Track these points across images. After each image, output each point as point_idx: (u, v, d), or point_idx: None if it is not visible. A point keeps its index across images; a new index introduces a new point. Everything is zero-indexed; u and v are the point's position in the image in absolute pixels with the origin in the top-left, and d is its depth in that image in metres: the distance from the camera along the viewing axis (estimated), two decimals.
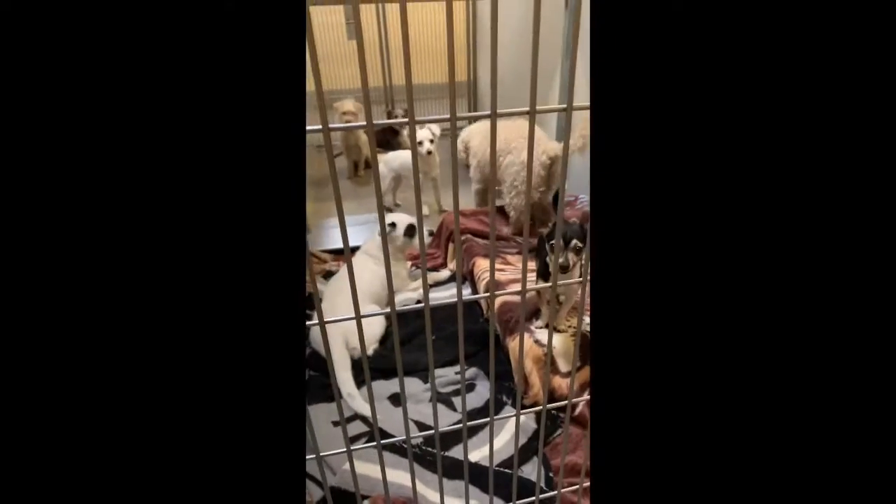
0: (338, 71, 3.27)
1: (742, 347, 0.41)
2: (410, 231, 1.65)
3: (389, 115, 3.08)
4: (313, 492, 1.01)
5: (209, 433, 0.40)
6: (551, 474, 1.06)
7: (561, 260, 1.11)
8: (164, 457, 0.39)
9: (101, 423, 0.38)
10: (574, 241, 1.12)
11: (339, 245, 1.68)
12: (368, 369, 0.56)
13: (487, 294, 0.55)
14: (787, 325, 0.39)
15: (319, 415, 1.23)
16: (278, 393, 0.41)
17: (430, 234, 1.94)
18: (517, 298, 0.76)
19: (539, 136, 1.75)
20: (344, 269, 1.25)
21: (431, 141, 2.19)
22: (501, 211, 1.91)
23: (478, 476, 1.05)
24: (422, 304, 0.52)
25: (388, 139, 3.03)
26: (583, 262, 1.14)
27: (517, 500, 0.74)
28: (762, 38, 0.36)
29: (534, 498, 0.76)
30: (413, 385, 1.35)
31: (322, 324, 0.51)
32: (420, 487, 1.03)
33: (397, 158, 2.35)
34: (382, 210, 0.49)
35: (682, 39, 0.38)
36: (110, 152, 0.36)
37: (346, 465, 0.95)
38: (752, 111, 0.37)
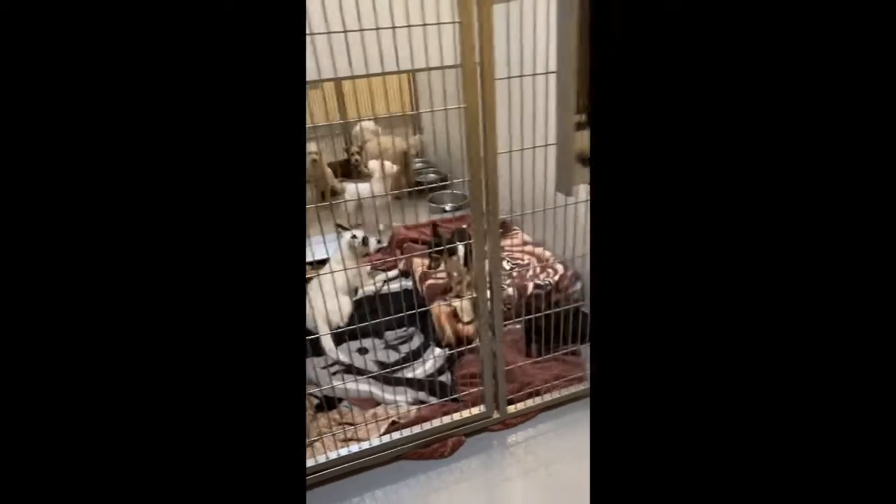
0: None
1: (741, 352, 0.40)
2: (365, 241, 2.32)
3: (348, 152, 3.76)
4: (313, 399, 1.70)
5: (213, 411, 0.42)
6: (454, 379, 1.77)
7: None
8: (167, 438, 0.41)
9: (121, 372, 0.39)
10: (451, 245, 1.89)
11: (314, 257, 2.36)
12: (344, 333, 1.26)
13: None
14: (779, 318, 0.39)
15: (318, 363, 1.90)
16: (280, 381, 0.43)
17: (378, 242, 2.44)
18: (437, 281, 1.50)
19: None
20: (323, 273, 1.96)
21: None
22: (433, 224, 2.63)
23: (410, 383, 1.75)
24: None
25: (349, 171, 3.72)
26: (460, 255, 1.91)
27: (433, 393, 1.47)
28: (760, 43, 0.35)
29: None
30: (372, 343, 2.03)
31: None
32: (377, 394, 1.73)
33: (356, 189, 3.02)
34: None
35: (679, 42, 0.36)
36: (116, 148, 0.35)
37: (331, 384, 1.65)
38: (749, 118, 0.37)
